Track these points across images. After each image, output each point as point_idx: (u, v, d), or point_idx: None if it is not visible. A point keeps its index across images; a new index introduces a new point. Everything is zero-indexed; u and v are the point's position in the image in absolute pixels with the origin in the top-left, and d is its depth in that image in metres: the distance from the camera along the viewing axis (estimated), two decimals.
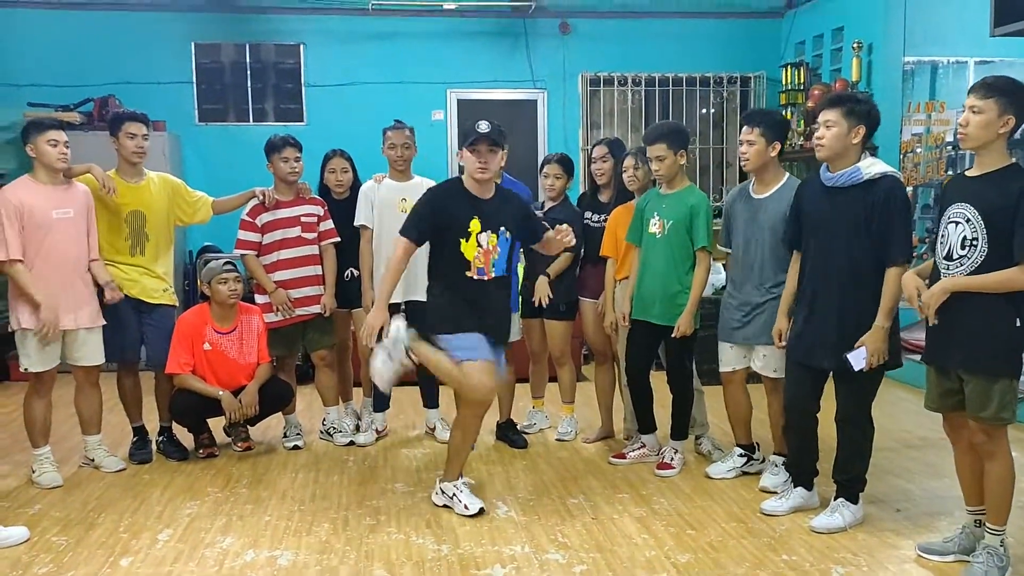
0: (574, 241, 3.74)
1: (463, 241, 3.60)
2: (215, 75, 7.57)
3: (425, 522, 3.60)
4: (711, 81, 7.99)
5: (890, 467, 4.24)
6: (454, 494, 3.69)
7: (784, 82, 7.55)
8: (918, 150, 6.67)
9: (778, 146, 3.79)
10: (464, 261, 3.60)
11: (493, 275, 3.65)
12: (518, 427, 4.81)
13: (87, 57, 7.29)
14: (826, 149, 3.35)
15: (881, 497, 3.81)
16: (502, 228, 3.65)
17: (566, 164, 4.63)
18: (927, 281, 3.07)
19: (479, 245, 3.61)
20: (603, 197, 4.63)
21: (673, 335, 4.02)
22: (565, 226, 3.69)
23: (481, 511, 3.63)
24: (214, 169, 7.23)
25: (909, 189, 6.25)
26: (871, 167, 3.32)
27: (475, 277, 3.62)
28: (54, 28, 7.29)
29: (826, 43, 7.46)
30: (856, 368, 3.27)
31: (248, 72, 7.60)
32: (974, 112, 2.86)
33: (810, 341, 3.44)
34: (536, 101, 7.90)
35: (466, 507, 3.64)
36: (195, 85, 7.55)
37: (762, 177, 3.86)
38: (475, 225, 3.60)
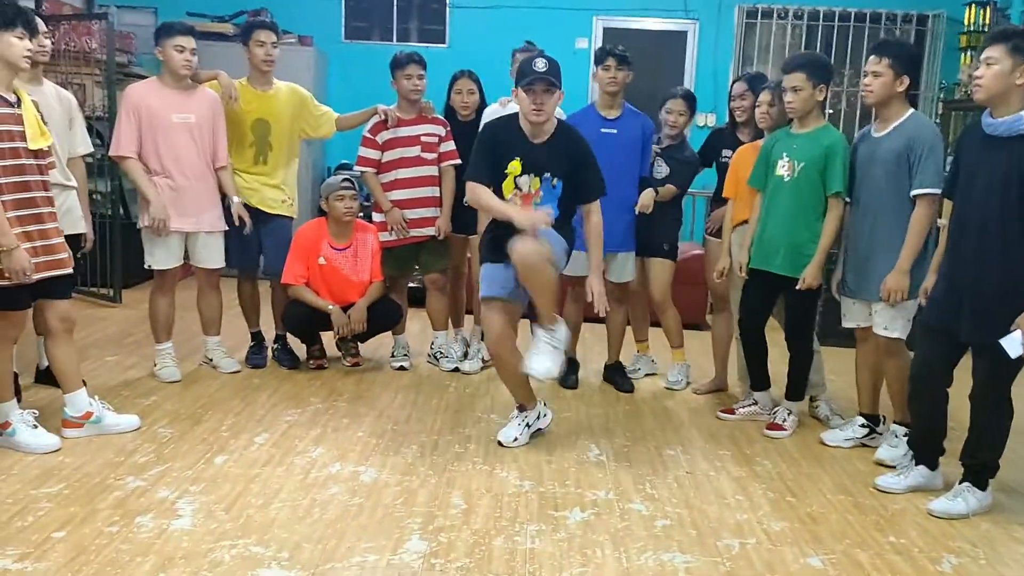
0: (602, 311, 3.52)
1: (504, 177, 3.47)
2: None
3: (512, 456, 3.52)
4: (883, 18, 7.30)
5: None
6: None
7: (966, 22, 6.81)
8: None
9: (906, 80, 3.41)
10: (501, 198, 3.46)
11: None
12: (625, 370, 4.65)
13: None
14: (983, 90, 2.94)
15: (1016, 486, 3.43)
16: (547, 174, 3.41)
17: (690, 100, 4.35)
18: None
19: (517, 187, 3.42)
20: (743, 136, 4.33)
21: (797, 287, 3.72)
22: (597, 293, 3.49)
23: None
24: (357, 87, 7.26)
25: None
26: None
27: None
28: None
29: None
30: (1013, 356, 2.87)
31: None
32: None
33: (946, 306, 3.09)
34: (687, 32, 7.47)
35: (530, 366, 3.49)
36: (343, 2, 7.57)
37: (884, 114, 3.50)
38: (515, 166, 3.43)
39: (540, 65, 3.34)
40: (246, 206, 4.31)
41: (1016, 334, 2.87)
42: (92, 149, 3.94)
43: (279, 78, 4.50)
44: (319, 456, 3.42)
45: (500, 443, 3.57)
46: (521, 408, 3.67)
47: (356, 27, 7.62)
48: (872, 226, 3.53)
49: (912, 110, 3.52)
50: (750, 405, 4.11)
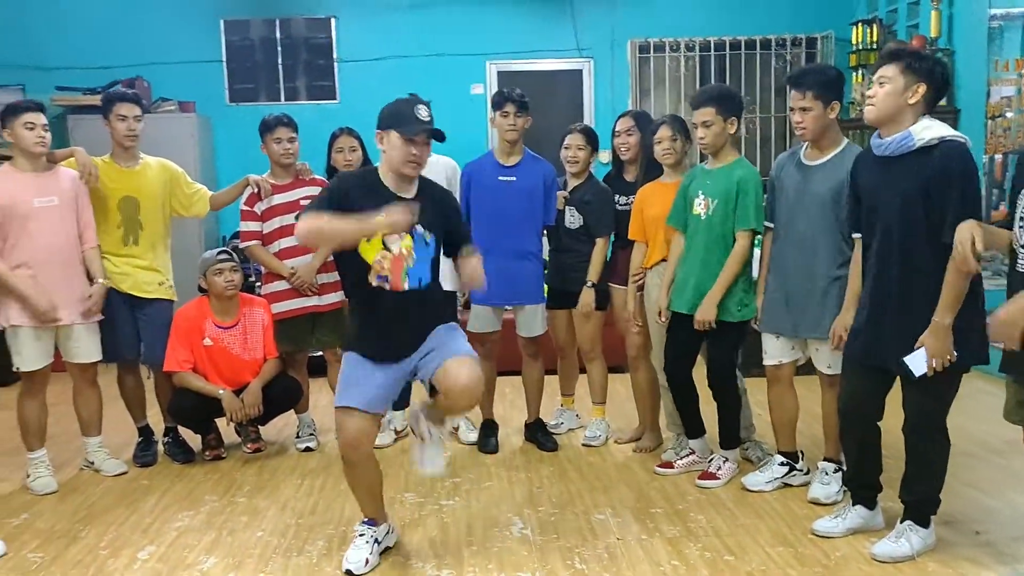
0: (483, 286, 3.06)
1: (363, 240, 2.86)
2: (245, 53, 7.25)
3: (429, 541, 3.23)
4: (773, 44, 7.34)
5: (970, 478, 3.69)
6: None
7: (854, 42, 6.88)
8: (1009, 114, 5.95)
9: (837, 106, 3.27)
10: (362, 264, 2.89)
11: (406, 287, 2.91)
12: (547, 427, 4.40)
13: (116, 38, 7.04)
14: (876, 109, 2.81)
15: (958, 516, 3.28)
16: (419, 227, 2.89)
17: (589, 135, 4.18)
18: (990, 252, 2.53)
19: (386, 248, 2.88)
20: (628, 176, 4.18)
21: (696, 326, 3.55)
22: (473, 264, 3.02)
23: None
24: (245, 151, 6.87)
25: (998, 157, 5.61)
26: (925, 131, 2.76)
27: (375, 284, 2.90)
28: (83, 9, 7.08)
29: None
30: (917, 373, 2.74)
31: (279, 49, 7.26)
32: None
33: (869, 338, 2.93)
34: (582, 71, 7.38)
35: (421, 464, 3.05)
36: (225, 64, 7.26)
37: (819, 143, 3.34)
38: None
39: (424, 113, 2.91)
40: (118, 292, 3.97)
41: (920, 352, 2.74)
42: None
43: (161, 147, 4.20)
44: (212, 568, 3.05)
45: (350, 572, 2.94)
46: (372, 522, 3.08)
47: (240, 89, 7.29)
48: (809, 262, 3.36)
49: (847, 140, 3.39)
50: (688, 455, 3.89)
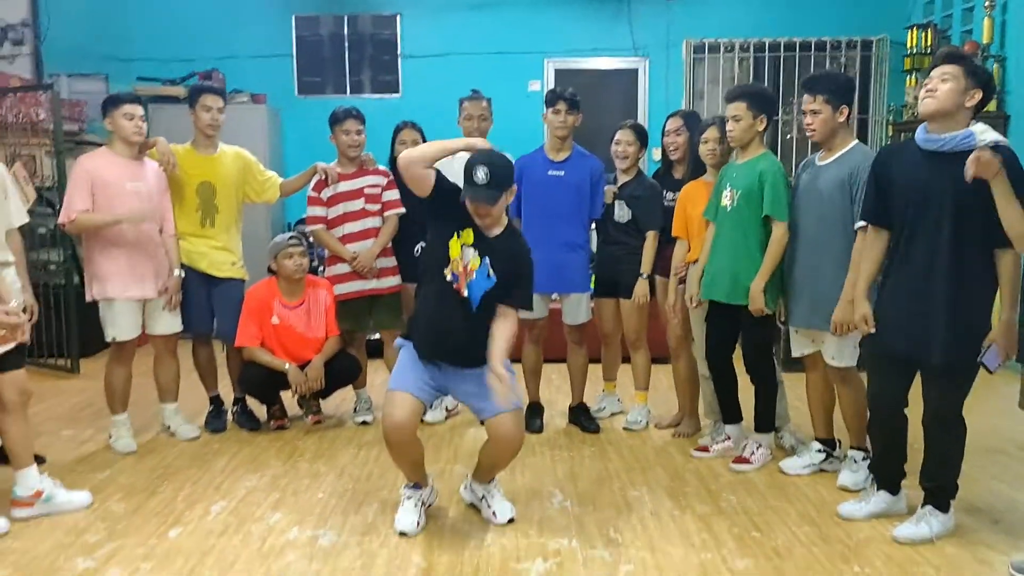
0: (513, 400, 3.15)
1: (456, 235, 3.11)
2: (314, 47, 7.61)
3: (475, 508, 3.47)
4: (828, 46, 7.42)
5: (998, 472, 3.82)
6: (483, 495, 3.40)
7: (909, 45, 6.93)
8: None
9: (846, 110, 3.45)
10: (446, 256, 3.12)
11: (466, 295, 3.14)
12: (591, 411, 4.62)
13: (194, 32, 7.46)
14: (937, 102, 2.90)
15: (979, 505, 3.42)
16: (488, 260, 3.12)
17: (639, 131, 4.38)
18: None
19: (461, 256, 3.11)
20: (677, 174, 4.37)
21: (754, 315, 3.72)
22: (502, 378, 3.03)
23: (511, 521, 3.31)
24: (312, 141, 7.24)
25: None
26: (985, 133, 2.90)
27: (448, 278, 3.13)
28: (164, 4, 7.50)
29: (956, 1, 6.78)
30: (992, 369, 2.88)
31: (346, 44, 7.60)
32: None
33: (912, 333, 3.03)
34: (637, 70, 7.56)
35: (495, 514, 3.33)
36: (295, 58, 7.62)
37: (828, 144, 3.53)
38: (468, 235, 3.12)
39: (481, 176, 2.97)
40: (195, 270, 4.30)
41: (992, 350, 2.87)
42: (27, 219, 3.77)
43: (233, 137, 4.52)
44: (277, 522, 3.34)
45: (402, 533, 3.20)
46: (416, 486, 3.33)
47: (309, 82, 7.66)
48: (811, 254, 3.55)
49: (856, 141, 3.56)
50: (724, 440, 4.07)
